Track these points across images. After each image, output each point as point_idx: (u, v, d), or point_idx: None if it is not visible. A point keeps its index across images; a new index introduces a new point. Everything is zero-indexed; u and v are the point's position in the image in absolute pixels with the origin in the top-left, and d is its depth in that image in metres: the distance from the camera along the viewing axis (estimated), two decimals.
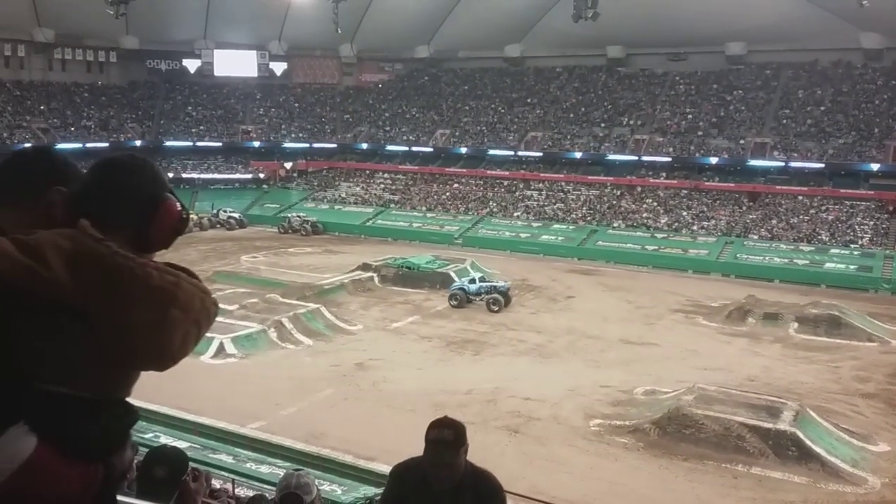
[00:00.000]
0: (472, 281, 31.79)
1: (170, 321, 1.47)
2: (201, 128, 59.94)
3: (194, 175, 56.96)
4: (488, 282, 31.83)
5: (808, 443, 16.79)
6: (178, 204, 1.69)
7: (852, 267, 37.75)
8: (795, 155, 45.94)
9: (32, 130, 52.10)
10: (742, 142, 48.23)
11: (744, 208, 45.30)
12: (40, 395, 1.45)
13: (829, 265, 38.16)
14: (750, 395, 19.45)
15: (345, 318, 28.33)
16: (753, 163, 46.87)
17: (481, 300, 30.78)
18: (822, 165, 44.90)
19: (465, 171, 54.64)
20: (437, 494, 3.22)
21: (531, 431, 18.33)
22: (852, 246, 39.72)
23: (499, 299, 30.58)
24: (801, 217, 43.09)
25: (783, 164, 45.96)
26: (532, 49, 59.52)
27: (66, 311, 1.44)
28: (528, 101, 58.04)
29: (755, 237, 42.19)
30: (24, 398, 1.44)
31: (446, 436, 3.17)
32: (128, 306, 1.45)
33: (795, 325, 28.23)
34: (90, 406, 1.49)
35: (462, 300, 30.93)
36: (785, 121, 48.76)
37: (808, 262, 38.67)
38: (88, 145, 53.97)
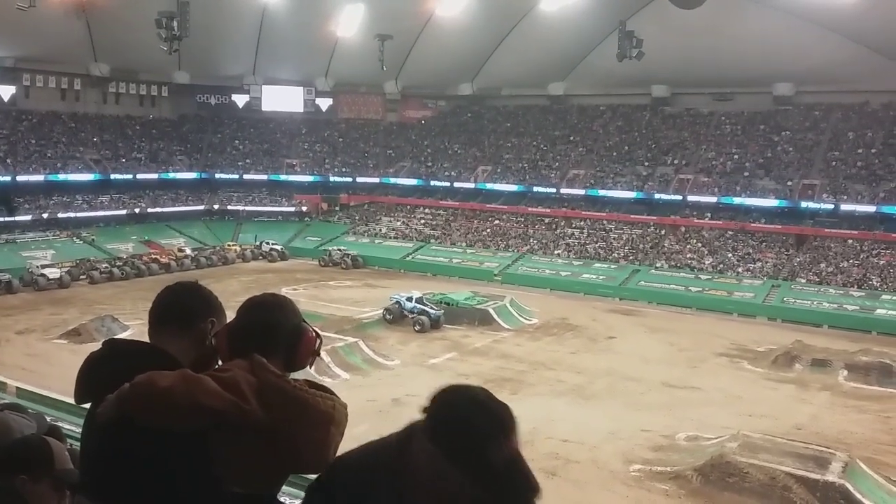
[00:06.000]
0: (410, 299, 33.51)
1: (330, 437, 1.88)
2: (247, 161, 61.09)
3: (239, 207, 58.07)
4: (423, 305, 33.39)
5: (858, 496, 16.14)
6: (313, 331, 2.12)
7: None
8: (845, 198, 44.94)
9: (85, 161, 53.67)
10: (790, 183, 47.41)
11: (791, 251, 44.36)
12: (227, 496, 1.87)
13: (880, 311, 36.97)
14: (797, 444, 18.79)
15: (382, 353, 28.27)
16: (802, 205, 45.97)
17: (412, 318, 32.64)
18: (874, 209, 43.84)
19: (506, 207, 54.62)
20: None
21: (569, 475, 17.91)
22: None
23: (423, 321, 32.37)
24: (851, 261, 42.00)
25: (832, 206, 44.99)
26: (575, 87, 59.67)
27: (252, 429, 1.82)
28: (571, 138, 58.03)
29: (803, 281, 41.20)
30: (218, 500, 1.88)
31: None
32: (304, 427, 1.85)
33: (845, 372, 27.34)
34: (259, 502, 1.94)
35: (396, 314, 32.98)
36: (834, 163, 47.86)
37: (858, 307, 37.54)
38: (139, 176, 55.50)
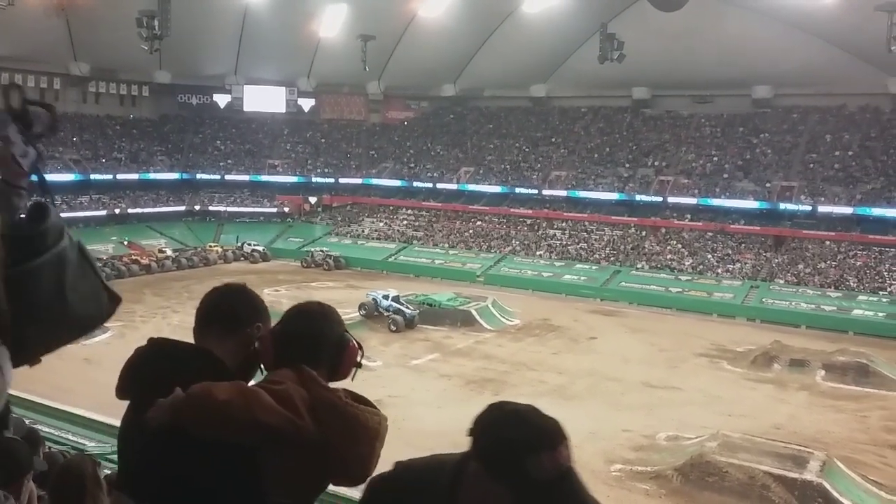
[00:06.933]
0: (386, 297, 33.67)
1: (375, 451, 1.94)
2: (229, 161, 60.75)
3: (221, 208, 57.73)
4: (399, 304, 33.47)
5: (836, 495, 16.32)
6: (355, 342, 2.18)
7: (881, 314, 36.88)
8: (823, 199, 45.44)
9: (64, 161, 53.07)
10: (768, 185, 47.87)
11: (769, 252, 44.79)
12: None
13: (856, 312, 37.43)
14: (775, 443, 18.98)
15: (365, 354, 28.15)
16: (780, 206, 46.42)
17: (388, 316, 32.76)
18: (851, 210, 44.36)
19: (488, 208, 54.70)
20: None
21: None
22: (881, 293, 38.93)
23: (398, 320, 32.48)
24: (828, 262, 42.48)
25: (810, 208, 45.48)
26: (557, 89, 59.88)
27: (303, 444, 1.84)
28: (553, 140, 58.23)
29: (781, 282, 41.61)
30: None
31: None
32: (353, 443, 1.90)
33: (822, 372, 27.60)
34: None
35: (371, 310, 33.16)
36: (812, 165, 48.37)
37: (835, 308, 37.97)
38: (119, 177, 55.03)
